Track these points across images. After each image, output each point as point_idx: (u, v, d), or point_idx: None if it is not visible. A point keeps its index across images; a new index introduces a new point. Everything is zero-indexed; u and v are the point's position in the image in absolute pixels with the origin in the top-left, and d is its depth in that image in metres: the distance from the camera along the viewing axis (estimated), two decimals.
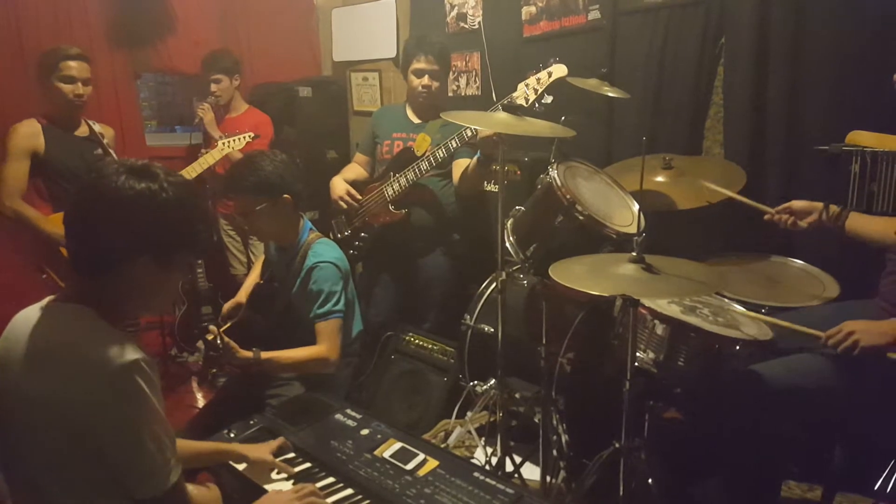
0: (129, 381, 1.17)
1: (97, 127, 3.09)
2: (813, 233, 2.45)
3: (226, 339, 2.00)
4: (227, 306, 2.51)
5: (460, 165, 2.88)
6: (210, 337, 2.03)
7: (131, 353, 1.18)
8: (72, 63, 2.88)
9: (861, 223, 1.91)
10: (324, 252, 2.27)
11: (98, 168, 1.26)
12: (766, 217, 2.09)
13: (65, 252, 2.77)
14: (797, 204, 2.02)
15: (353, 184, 3.06)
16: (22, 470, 1.26)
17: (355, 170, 3.19)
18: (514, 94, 2.35)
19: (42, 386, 1.18)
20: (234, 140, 3.40)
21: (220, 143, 3.41)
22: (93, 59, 3.62)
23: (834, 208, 1.92)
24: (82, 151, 2.99)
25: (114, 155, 3.05)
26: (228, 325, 2.42)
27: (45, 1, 3.47)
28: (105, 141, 3.08)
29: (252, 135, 3.43)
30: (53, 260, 2.84)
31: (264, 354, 2.08)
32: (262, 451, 1.71)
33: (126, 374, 1.16)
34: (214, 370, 2.00)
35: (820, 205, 1.95)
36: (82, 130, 3.05)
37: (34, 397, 1.19)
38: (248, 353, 2.06)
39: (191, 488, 1.39)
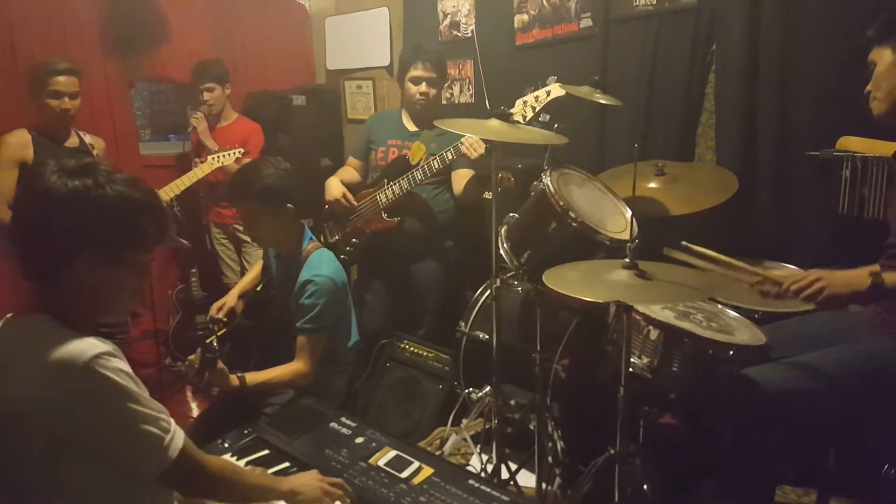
0: (95, 377, 1.15)
1: (88, 138, 3.10)
2: (807, 237, 2.48)
3: (220, 364, 2.01)
4: (215, 306, 2.50)
5: (461, 176, 2.91)
6: (208, 340, 2.04)
7: (90, 349, 1.16)
8: (60, 78, 2.89)
9: (842, 277, 1.73)
10: (320, 265, 2.26)
11: (33, 171, 1.23)
12: (746, 288, 1.89)
13: None
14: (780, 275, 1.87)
15: (347, 187, 3.07)
16: (8, 485, 1.25)
17: (349, 173, 3.20)
18: (512, 111, 2.36)
19: (11, 399, 1.17)
20: (224, 155, 3.44)
21: (209, 157, 3.44)
22: (86, 69, 3.61)
23: (816, 273, 1.75)
24: None
25: None
26: (223, 330, 2.42)
27: (38, 10, 3.47)
28: (95, 152, 3.08)
29: (241, 150, 3.46)
30: None
31: (249, 378, 2.11)
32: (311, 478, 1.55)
33: (90, 371, 1.15)
34: (207, 375, 1.99)
35: (803, 273, 1.80)
36: (72, 141, 3.06)
37: (9, 413, 1.18)
38: (236, 381, 2.08)
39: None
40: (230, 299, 2.54)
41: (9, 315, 1.29)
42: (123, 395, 1.19)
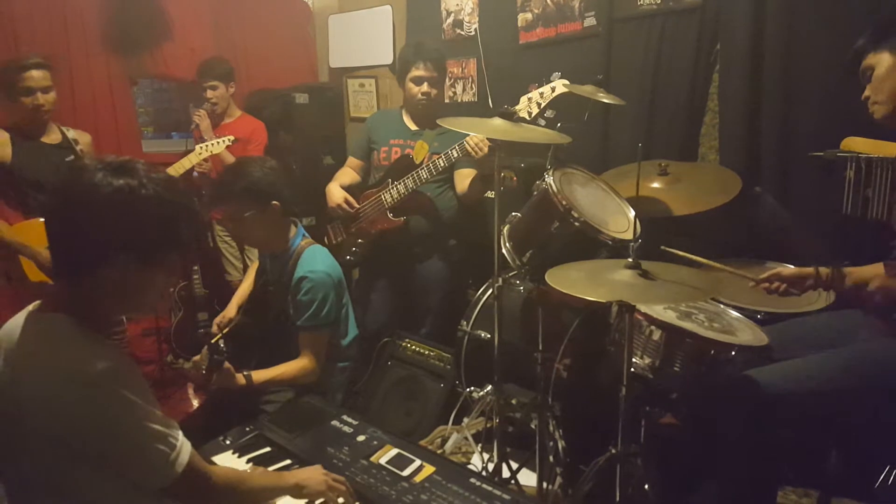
0: (104, 390, 1.15)
1: (71, 133, 3.02)
2: (808, 239, 2.48)
3: (226, 364, 2.01)
4: (216, 321, 2.51)
5: (463, 175, 2.91)
6: (214, 340, 2.03)
7: (103, 362, 1.15)
8: (31, 73, 2.81)
9: (857, 273, 1.82)
10: (314, 261, 2.25)
11: (76, 166, 1.21)
12: (750, 286, 1.95)
13: (22, 261, 2.79)
14: (786, 271, 1.90)
15: (348, 189, 3.06)
16: (19, 483, 1.25)
17: (349, 174, 3.19)
18: (517, 107, 2.36)
19: (20, 398, 1.17)
20: (214, 144, 3.35)
21: (198, 146, 3.36)
22: (89, 66, 3.63)
23: (825, 270, 1.82)
24: (53, 159, 2.91)
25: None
26: (227, 329, 2.42)
27: (40, 8, 3.47)
28: (79, 147, 3.01)
29: (231, 138, 3.39)
30: (14, 268, 2.83)
31: (255, 377, 2.11)
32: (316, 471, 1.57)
33: (101, 385, 1.15)
34: (215, 376, 1.99)
35: (810, 270, 1.83)
36: (54, 138, 2.98)
37: (18, 410, 1.18)
38: (243, 380, 2.08)
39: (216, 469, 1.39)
40: (230, 312, 2.55)
41: (33, 306, 1.28)
42: (132, 412, 1.18)
